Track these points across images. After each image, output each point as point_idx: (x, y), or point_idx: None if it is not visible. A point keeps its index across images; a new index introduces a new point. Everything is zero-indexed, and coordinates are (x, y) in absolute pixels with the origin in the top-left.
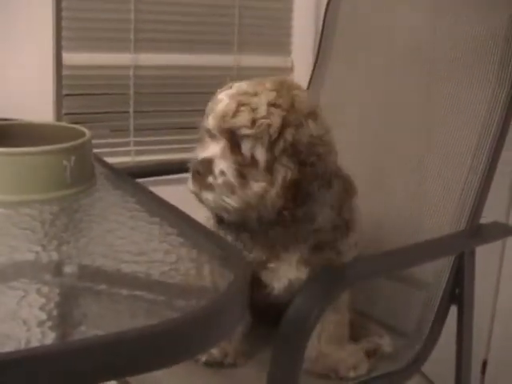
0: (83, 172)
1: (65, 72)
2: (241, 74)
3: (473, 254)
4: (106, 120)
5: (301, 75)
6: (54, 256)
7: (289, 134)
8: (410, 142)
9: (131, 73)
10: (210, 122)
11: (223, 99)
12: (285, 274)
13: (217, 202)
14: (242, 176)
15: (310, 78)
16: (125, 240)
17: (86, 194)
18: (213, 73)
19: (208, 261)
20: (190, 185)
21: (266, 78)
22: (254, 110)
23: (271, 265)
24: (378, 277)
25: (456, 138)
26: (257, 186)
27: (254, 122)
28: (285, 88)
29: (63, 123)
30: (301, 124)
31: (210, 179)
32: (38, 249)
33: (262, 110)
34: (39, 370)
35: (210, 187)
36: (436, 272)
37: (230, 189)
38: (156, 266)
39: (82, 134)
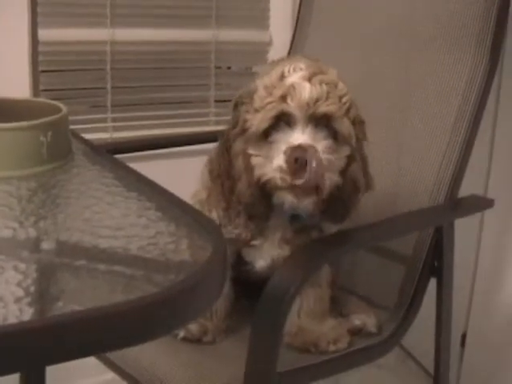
0: (60, 148)
1: (41, 48)
2: (219, 48)
3: (452, 226)
4: (84, 96)
5: (279, 49)
6: (32, 232)
7: (354, 109)
8: (388, 115)
9: (108, 48)
10: (296, 108)
11: (301, 83)
12: (268, 251)
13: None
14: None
15: (289, 52)
16: (102, 215)
17: (64, 169)
18: (191, 48)
19: (186, 235)
20: (299, 179)
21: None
22: (335, 87)
23: (255, 242)
24: (357, 250)
25: (435, 112)
26: (343, 162)
27: (340, 99)
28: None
29: (39, 99)
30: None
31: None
32: (15, 225)
33: (342, 87)
34: (17, 347)
35: (307, 168)
36: (415, 245)
37: (332, 168)
38: (134, 240)
39: (59, 110)
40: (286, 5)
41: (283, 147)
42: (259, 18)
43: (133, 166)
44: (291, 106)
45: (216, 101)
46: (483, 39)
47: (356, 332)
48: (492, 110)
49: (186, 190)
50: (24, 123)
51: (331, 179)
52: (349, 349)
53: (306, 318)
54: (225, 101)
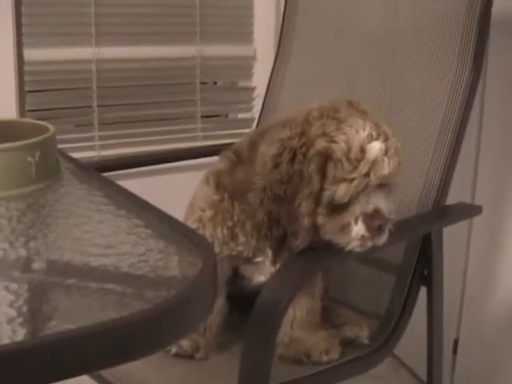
0: (48, 167)
1: (27, 68)
2: (204, 64)
3: (440, 234)
4: (70, 115)
5: (263, 63)
6: (22, 252)
7: None
8: None
9: (93, 67)
10: (375, 181)
11: (382, 158)
12: (268, 268)
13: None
14: None
15: (273, 65)
16: (92, 234)
17: (52, 189)
18: (176, 64)
19: (176, 251)
20: (381, 240)
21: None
22: (398, 153)
23: (258, 259)
24: (347, 261)
25: (420, 119)
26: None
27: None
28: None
29: (26, 119)
30: None
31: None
32: (6, 246)
33: (400, 149)
34: (11, 367)
35: (383, 231)
36: (404, 254)
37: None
38: (124, 258)
39: (46, 130)
40: (269, 19)
41: (358, 213)
42: (243, 32)
43: (121, 183)
44: (372, 179)
45: (202, 116)
46: (466, 45)
47: (348, 343)
48: (477, 117)
49: (174, 206)
50: (11, 144)
51: None
52: (341, 359)
53: (299, 328)
54: (211, 116)
